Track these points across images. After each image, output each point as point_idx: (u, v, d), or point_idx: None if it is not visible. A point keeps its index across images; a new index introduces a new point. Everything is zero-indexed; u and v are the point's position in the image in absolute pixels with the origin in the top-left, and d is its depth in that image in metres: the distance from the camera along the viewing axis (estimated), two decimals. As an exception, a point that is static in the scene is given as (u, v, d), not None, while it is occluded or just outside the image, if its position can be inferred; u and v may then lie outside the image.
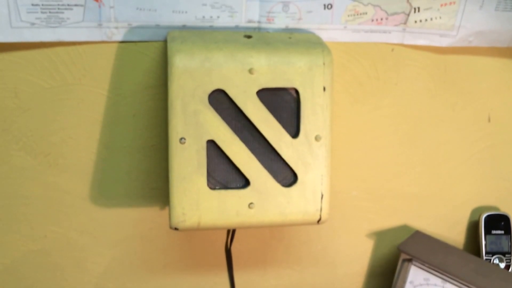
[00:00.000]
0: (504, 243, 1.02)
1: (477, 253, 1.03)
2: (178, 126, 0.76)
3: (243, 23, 0.84)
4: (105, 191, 0.92)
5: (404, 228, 1.04)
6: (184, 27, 0.82)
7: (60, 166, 0.89)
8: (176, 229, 0.78)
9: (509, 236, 1.02)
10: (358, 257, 1.05)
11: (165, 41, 0.83)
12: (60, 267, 0.97)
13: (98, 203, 0.93)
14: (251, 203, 0.79)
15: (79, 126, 0.87)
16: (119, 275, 0.99)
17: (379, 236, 1.04)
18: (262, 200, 0.79)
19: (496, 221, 1.02)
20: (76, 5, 0.78)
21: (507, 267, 1.01)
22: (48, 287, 0.98)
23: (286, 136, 0.79)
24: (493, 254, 1.01)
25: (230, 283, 1.03)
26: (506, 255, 1.01)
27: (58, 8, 0.78)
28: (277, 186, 0.79)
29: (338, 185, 0.99)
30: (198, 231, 0.98)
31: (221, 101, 0.77)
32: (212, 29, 0.83)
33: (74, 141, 0.88)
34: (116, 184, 0.92)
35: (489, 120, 0.99)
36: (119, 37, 0.82)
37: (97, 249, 0.96)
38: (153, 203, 0.95)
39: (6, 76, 0.82)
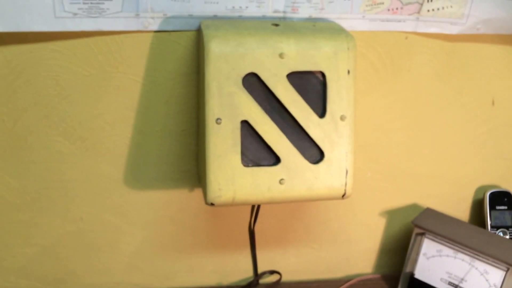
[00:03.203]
0: (507, 218, 1.02)
1: (483, 228, 1.04)
2: (214, 107, 0.75)
3: (269, 13, 0.84)
4: (138, 174, 0.92)
5: (414, 206, 1.04)
6: (215, 17, 0.82)
7: (97, 151, 0.89)
8: (212, 204, 0.78)
9: (512, 211, 1.03)
10: (372, 234, 1.05)
11: (197, 31, 0.83)
12: (95, 247, 0.96)
13: (131, 185, 0.92)
14: (281, 179, 0.79)
15: (115, 112, 0.87)
16: (149, 254, 0.99)
17: (391, 214, 1.04)
18: (291, 176, 0.79)
19: (500, 197, 1.02)
20: (115, -4, 0.78)
21: (511, 239, 1.02)
22: (82, 266, 0.97)
23: (314, 116, 0.78)
24: (497, 228, 1.02)
25: (253, 260, 1.03)
26: (510, 229, 1.02)
27: (99, -1, 0.78)
28: (306, 163, 0.79)
29: (354, 167, 0.98)
30: (224, 212, 0.97)
31: (253, 83, 0.76)
32: (241, 18, 0.83)
33: (110, 127, 0.87)
34: (148, 167, 0.91)
35: (493, 104, 0.99)
36: (154, 26, 0.81)
37: (130, 230, 0.96)
38: (183, 186, 0.94)
39: (49, 65, 0.82)
